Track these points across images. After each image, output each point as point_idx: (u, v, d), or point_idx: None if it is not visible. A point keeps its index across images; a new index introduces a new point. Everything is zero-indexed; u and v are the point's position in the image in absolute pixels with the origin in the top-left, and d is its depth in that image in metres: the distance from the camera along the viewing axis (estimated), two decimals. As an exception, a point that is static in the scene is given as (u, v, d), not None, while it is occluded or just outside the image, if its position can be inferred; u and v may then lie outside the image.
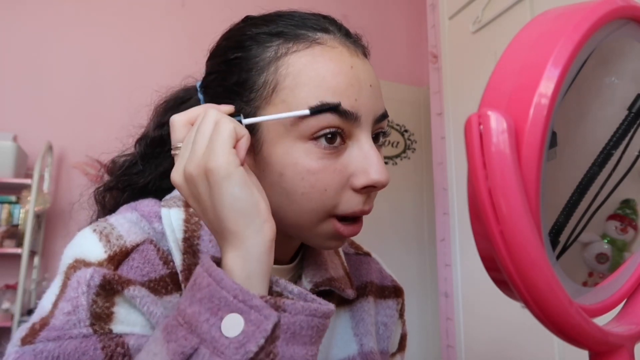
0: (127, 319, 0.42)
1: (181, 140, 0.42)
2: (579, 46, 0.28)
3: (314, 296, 0.39)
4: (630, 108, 0.35)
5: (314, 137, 0.43)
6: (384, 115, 0.47)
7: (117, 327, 0.41)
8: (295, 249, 0.55)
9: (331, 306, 0.39)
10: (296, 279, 0.55)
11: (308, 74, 0.44)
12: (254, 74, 0.45)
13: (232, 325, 0.35)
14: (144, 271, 0.45)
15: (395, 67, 3.14)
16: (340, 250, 0.61)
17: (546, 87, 0.27)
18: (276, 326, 0.35)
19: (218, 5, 2.88)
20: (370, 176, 0.43)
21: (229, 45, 0.49)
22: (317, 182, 0.43)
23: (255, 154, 0.46)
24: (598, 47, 0.31)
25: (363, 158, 0.44)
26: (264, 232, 0.38)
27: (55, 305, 0.42)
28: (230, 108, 0.45)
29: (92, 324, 0.40)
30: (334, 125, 0.43)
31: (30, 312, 2.25)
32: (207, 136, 0.39)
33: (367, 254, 0.66)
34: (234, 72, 0.47)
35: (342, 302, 0.57)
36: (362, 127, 0.45)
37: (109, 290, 0.42)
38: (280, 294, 0.40)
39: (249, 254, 0.37)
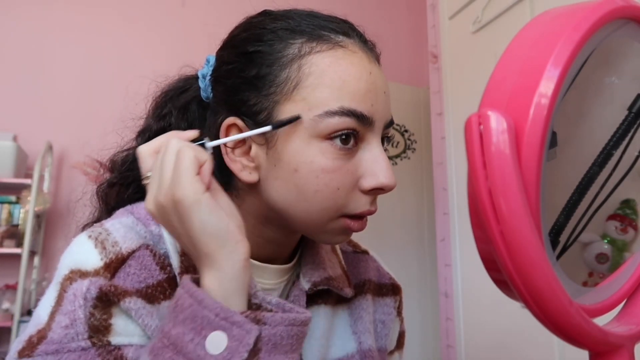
0: (125, 330, 0.42)
1: (150, 169, 0.43)
2: (579, 46, 0.28)
3: (292, 305, 0.40)
4: (630, 108, 0.35)
5: (330, 137, 0.44)
6: (392, 122, 0.49)
7: (115, 339, 0.42)
8: (292, 248, 0.55)
9: (308, 314, 0.40)
10: (294, 279, 0.55)
11: (330, 76, 0.44)
12: (276, 69, 0.46)
13: (216, 342, 0.36)
14: (141, 277, 0.45)
15: (395, 67, 3.14)
16: (338, 248, 0.62)
17: (546, 87, 0.27)
18: (258, 339, 0.37)
19: (218, 5, 2.88)
20: (379, 179, 0.45)
21: (248, 38, 0.48)
22: (331, 181, 0.44)
23: (268, 149, 0.46)
24: (598, 47, 0.31)
25: (373, 161, 0.46)
26: (237, 252, 0.39)
27: (52, 317, 0.41)
28: (194, 133, 0.46)
29: (90, 337, 0.41)
30: (351, 128, 0.44)
31: (30, 312, 2.25)
32: (170, 166, 0.40)
33: (365, 252, 0.66)
34: (253, 65, 0.47)
35: (340, 300, 0.57)
36: (375, 131, 0.46)
37: (105, 302, 0.42)
38: (259, 306, 0.41)
39: (225, 274, 0.39)
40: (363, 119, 0.44)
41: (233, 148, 0.47)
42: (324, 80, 0.44)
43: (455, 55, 1.83)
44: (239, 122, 0.47)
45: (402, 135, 2.91)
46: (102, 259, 0.44)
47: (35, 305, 0.44)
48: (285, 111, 0.45)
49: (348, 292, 0.56)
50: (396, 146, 2.87)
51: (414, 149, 2.92)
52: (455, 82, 1.81)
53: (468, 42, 1.75)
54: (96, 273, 0.43)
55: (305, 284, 0.53)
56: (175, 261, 0.46)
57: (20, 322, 2.17)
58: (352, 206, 0.46)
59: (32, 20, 2.63)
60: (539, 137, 0.27)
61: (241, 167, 0.47)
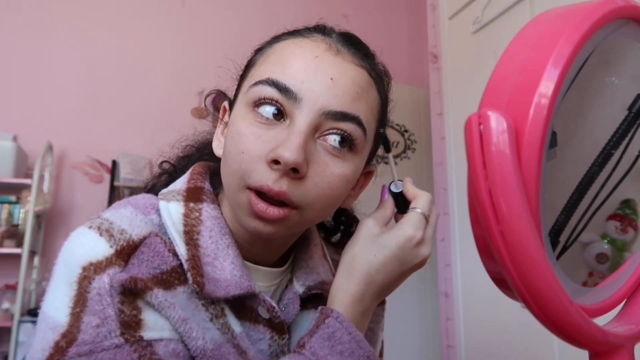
0: (156, 325, 0.42)
1: (420, 207, 0.53)
2: (579, 46, 0.28)
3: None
4: (630, 108, 0.35)
5: (256, 105, 0.46)
6: (344, 115, 0.45)
7: (147, 334, 0.41)
8: (282, 252, 0.55)
9: None
10: (287, 283, 0.55)
11: (275, 54, 0.48)
12: (257, 57, 0.52)
13: None
14: (155, 264, 0.44)
15: (395, 67, 3.12)
16: (328, 255, 0.62)
17: (546, 87, 0.27)
18: None
19: (218, 5, 2.87)
20: (278, 151, 0.43)
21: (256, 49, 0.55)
22: (238, 143, 0.45)
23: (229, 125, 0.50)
24: (598, 47, 0.31)
25: (285, 136, 0.44)
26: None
27: (76, 318, 0.41)
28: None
29: (122, 334, 0.40)
30: (271, 98, 0.45)
31: (30, 312, 2.25)
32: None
33: None
34: (250, 62, 0.53)
35: None
36: (303, 111, 0.44)
37: (130, 296, 0.42)
38: None
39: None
40: (286, 92, 0.44)
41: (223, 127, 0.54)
42: (269, 58, 0.48)
43: (455, 55, 1.83)
44: (226, 103, 0.54)
45: (402, 135, 2.91)
46: (111, 246, 0.43)
47: (37, 305, 0.44)
48: (242, 87, 0.50)
49: None
50: (396, 146, 2.87)
51: (414, 149, 2.92)
52: (455, 82, 1.81)
53: (468, 42, 1.75)
54: (109, 262, 0.42)
55: (299, 288, 0.53)
56: (182, 249, 0.46)
57: (20, 322, 2.17)
58: (255, 177, 0.44)
59: (32, 20, 2.63)
60: (539, 137, 0.27)
61: (217, 143, 0.54)
